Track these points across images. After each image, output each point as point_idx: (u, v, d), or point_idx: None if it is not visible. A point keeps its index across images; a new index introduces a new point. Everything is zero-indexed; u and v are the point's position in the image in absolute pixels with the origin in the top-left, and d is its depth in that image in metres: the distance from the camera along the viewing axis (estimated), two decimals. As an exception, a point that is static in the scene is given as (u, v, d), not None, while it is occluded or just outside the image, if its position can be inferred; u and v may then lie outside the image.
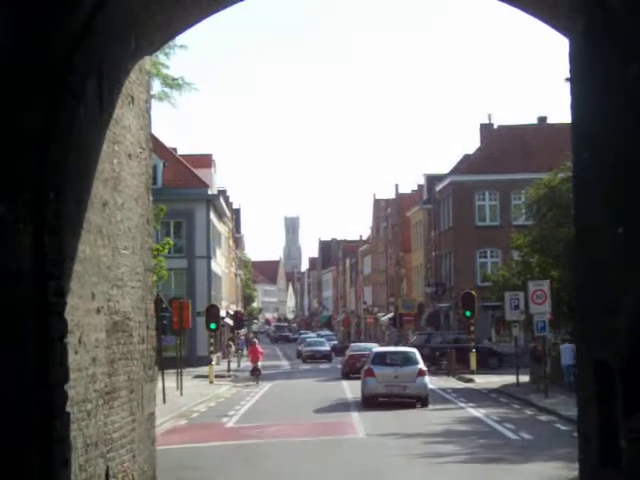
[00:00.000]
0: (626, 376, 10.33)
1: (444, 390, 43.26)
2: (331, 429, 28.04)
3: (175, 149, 76.46)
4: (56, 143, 8.67)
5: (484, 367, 53.13)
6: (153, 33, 11.70)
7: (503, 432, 26.59)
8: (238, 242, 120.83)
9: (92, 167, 9.82)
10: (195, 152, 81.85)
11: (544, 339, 39.66)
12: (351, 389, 43.95)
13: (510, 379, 45.35)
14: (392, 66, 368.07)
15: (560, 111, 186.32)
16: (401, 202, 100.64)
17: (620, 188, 10.87)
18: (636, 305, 10.17)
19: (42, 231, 8.55)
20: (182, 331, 43.49)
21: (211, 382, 50.09)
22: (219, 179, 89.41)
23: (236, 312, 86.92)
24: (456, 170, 75.71)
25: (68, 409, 8.82)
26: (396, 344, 69.31)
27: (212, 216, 73.37)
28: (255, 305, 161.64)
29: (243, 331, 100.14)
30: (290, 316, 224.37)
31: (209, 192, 72.21)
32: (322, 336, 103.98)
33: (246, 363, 77.41)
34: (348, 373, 52.10)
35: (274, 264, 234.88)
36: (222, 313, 72.59)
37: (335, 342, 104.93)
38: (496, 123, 76.73)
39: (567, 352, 39.76)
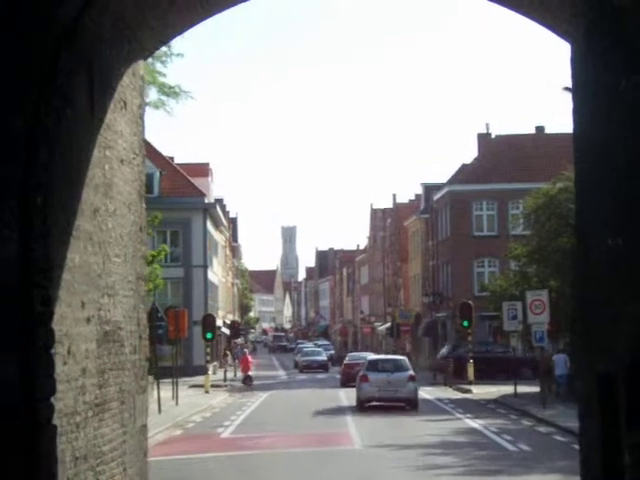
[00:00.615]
0: (629, 388, 10.09)
1: (441, 400, 43.02)
2: (327, 440, 27.76)
3: (172, 158, 76.33)
4: (43, 146, 8.41)
5: (520, 378, 45.91)
6: (147, 37, 11.46)
7: (501, 443, 26.32)
8: (235, 251, 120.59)
9: (82, 172, 9.56)
10: (192, 161, 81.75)
11: (542, 349, 39.44)
12: (347, 398, 43.71)
13: (508, 389, 45.11)
14: (390, 75, 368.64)
15: (558, 120, 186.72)
16: (398, 211, 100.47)
17: (622, 198, 10.64)
18: (639, 316, 9.93)
19: (29, 238, 8.29)
20: (178, 340, 43.21)
21: (207, 392, 49.81)
22: (216, 188, 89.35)
23: (233, 322, 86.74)
24: (454, 180, 75.54)
25: (55, 422, 8.56)
26: (394, 353, 69.06)
27: (209, 225, 73.19)
28: (252, 314, 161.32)
29: (240, 340, 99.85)
30: (287, 326, 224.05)
31: (206, 201, 72.04)
32: (319, 346, 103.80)
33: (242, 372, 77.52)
34: (346, 382, 52.10)
35: (271, 273, 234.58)
36: (219, 323, 72.35)
37: (332, 352, 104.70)
38: (494, 133, 76.70)
39: (560, 362, 39.72)
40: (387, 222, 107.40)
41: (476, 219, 70.98)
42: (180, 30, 12.01)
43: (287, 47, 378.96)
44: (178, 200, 68.36)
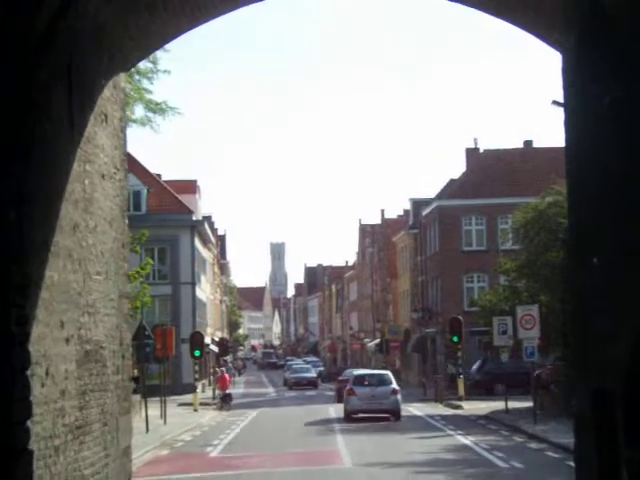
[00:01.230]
0: (628, 404, 9.84)
1: (432, 417, 42.68)
2: (317, 459, 27.39)
3: (159, 175, 76.06)
4: (19, 159, 8.10)
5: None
6: (128, 48, 11.17)
7: (493, 460, 25.96)
8: (223, 268, 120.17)
9: (61, 187, 9.25)
10: (180, 178, 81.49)
11: (532, 364, 39.13)
12: (337, 413, 43.39)
13: (498, 405, 44.78)
14: (378, 91, 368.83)
15: (547, 135, 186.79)
16: (387, 227, 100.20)
17: (616, 211, 10.40)
18: (636, 332, 9.67)
19: (3, 255, 7.98)
20: (166, 359, 42.82)
21: (196, 410, 49.43)
22: (204, 205, 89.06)
23: (221, 339, 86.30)
24: (442, 195, 75.35)
25: (32, 446, 8.23)
26: (383, 369, 68.76)
27: (197, 242, 72.90)
28: (241, 332, 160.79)
29: (229, 358, 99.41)
30: (276, 342, 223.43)
31: (194, 218, 71.81)
32: (308, 362, 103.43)
33: (231, 390, 77.05)
34: (340, 398, 51.99)
35: (260, 290, 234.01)
36: (207, 340, 71.97)
37: (321, 368, 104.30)
38: (482, 147, 76.52)
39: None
40: (376, 238, 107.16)
41: (465, 234, 70.75)
42: (162, 41, 11.75)
43: (276, 62, 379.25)
44: (166, 217, 68.16)
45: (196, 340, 50.65)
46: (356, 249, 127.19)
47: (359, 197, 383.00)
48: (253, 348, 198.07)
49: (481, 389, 55.91)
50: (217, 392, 55.07)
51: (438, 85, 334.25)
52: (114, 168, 11.37)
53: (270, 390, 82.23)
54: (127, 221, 12.04)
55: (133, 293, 40.24)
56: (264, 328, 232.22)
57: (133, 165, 69.66)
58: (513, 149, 74.19)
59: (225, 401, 52.55)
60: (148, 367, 45.97)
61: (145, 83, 36.36)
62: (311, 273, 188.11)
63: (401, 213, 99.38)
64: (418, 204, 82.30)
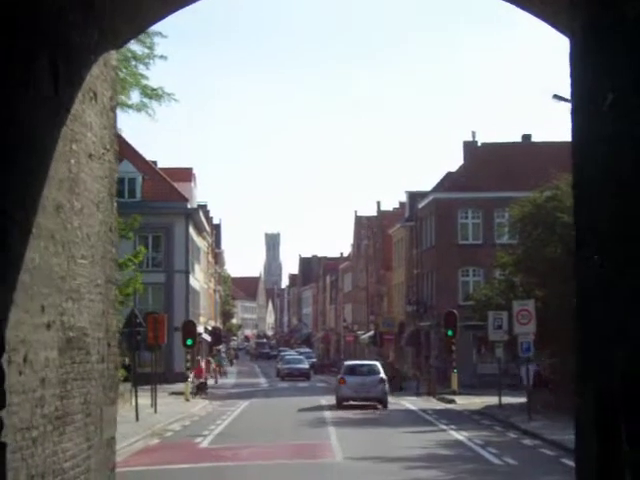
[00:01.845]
0: (632, 405, 9.43)
1: (425, 411, 42.36)
2: (308, 452, 27.00)
3: (155, 162, 75.65)
4: (-3, 134, 7.66)
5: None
6: (119, 23, 10.72)
7: (487, 457, 25.58)
8: (218, 257, 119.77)
9: (44, 166, 8.80)
10: (175, 165, 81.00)
11: (527, 360, 38.76)
12: (329, 406, 43.09)
13: (491, 400, 44.47)
14: (375, 82, 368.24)
15: (546, 129, 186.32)
16: (383, 219, 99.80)
17: (625, 206, 9.97)
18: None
19: (-21, 235, 7.54)
20: (157, 347, 42.42)
21: (187, 400, 49.06)
22: (199, 193, 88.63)
23: (214, 328, 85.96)
24: (439, 187, 74.96)
25: (7, 438, 7.79)
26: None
27: (191, 230, 72.51)
28: (234, 321, 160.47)
29: (222, 347, 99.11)
30: (269, 333, 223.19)
31: (189, 206, 71.43)
32: (301, 353, 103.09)
33: (223, 380, 76.82)
34: None
35: (254, 280, 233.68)
36: (200, 329, 71.59)
37: (314, 360, 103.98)
38: (480, 141, 76.03)
39: (526, 373, 39.27)
40: (371, 230, 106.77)
41: (461, 227, 70.35)
42: (155, 17, 11.28)
43: (272, 50, 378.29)
44: (160, 205, 67.84)
45: (188, 329, 50.24)
46: (351, 241, 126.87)
47: (355, 188, 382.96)
48: (246, 338, 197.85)
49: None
50: (193, 380, 55.16)
51: (436, 77, 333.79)
52: (103, 148, 10.91)
53: (262, 381, 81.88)
54: (116, 204, 11.58)
55: (125, 280, 39.95)
56: (257, 318, 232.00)
57: (128, 152, 69.30)
58: (511, 143, 73.77)
59: (201, 389, 52.82)
60: (142, 355, 45.63)
61: (141, 68, 35.96)
62: (306, 264, 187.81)
63: (397, 205, 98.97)
64: (414, 196, 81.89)
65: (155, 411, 39.21)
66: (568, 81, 12.75)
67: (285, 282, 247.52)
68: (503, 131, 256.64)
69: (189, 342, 49.45)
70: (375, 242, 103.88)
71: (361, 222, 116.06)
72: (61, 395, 9.22)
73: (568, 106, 12.64)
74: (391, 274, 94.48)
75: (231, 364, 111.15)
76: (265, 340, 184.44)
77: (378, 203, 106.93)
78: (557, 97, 39.54)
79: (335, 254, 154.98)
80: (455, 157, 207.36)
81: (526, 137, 75.44)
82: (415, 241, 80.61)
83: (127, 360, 42.70)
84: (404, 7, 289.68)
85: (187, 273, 70.05)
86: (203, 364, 53.83)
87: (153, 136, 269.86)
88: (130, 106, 36.27)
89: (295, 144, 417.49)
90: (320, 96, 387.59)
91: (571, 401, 30.48)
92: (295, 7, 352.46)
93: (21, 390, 8.12)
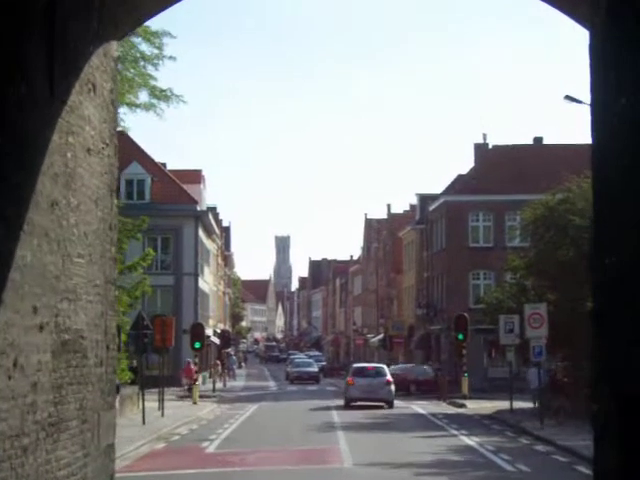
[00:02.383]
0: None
1: (435, 415, 41.84)
2: (317, 457, 26.49)
3: (164, 164, 75.33)
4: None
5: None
6: (119, 13, 10.27)
7: (499, 463, 25.06)
8: (227, 260, 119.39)
9: (38, 159, 8.35)
10: (184, 167, 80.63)
11: (538, 364, 38.20)
12: (338, 410, 42.61)
13: (502, 405, 43.93)
14: (386, 84, 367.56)
15: (558, 132, 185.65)
16: (393, 222, 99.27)
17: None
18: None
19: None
20: (165, 349, 42.00)
21: (195, 403, 48.64)
22: (209, 196, 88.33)
23: (223, 331, 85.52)
24: (449, 190, 74.47)
25: (-6, 447, 7.34)
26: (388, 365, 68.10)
27: (200, 233, 72.13)
28: (244, 324, 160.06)
29: (232, 350, 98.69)
30: (279, 336, 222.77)
31: (198, 208, 71.03)
32: (311, 357, 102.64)
33: (232, 383, 76.46)
34: None
35: (264, 283, 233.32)
36: (209, 332, 71.14)
37: (324, 363, 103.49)
38: (491, 143, 75.50)
39: (534, 376, 39.09)
40: (381, 233, 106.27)
41: (472, 230, 69.81)
42: (156, 8, 10.83)
43: (283, 53, 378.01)
44: (169, 207, 67.53)
45: (197, 331, 49.83)
46: (361, 244, 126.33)
47: (365, 191, 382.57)
48: (256, 341, 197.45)
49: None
50: (185, 382, 54.80)
51: (448, 79, 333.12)
52: (102, 143, 10.47)
53: (271, 384, 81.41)
54: (116, 201, 11.14)
55: (133, 283, 39.53)
56: (267, 321, 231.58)
57: (137, 153, 69.05)
58: (523, 145, 73.19)
59: (191, 390, 52.36)
60: (148, 357, 45.25)
61: (150, 69, 35.71)
62: (315, 267, 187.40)
63: (407, 208, 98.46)
64: (425, 199, 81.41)
65: (162, 414, 38.78)
66: (585, 75, 12.28)
67: (295, 285, 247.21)
68: (514, 133, 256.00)
69: (197, 345, 49.05)
70: (385, 245, 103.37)
71: (371, 225, 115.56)
72: (55, 401, 8.77)
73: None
74: (401, 277, 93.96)
75: (240, 367, 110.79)
76: (275, 343, 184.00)
77: (388, 206, 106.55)
78: (569, 98, 39.05)
79: (345, 257, 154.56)
80: (466, 159, 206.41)
81: (537, 139, 74.88)
82: (425, 244, 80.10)
83: (135, 363, 42.33)
84: (414, 12, 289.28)
85: (196, 275, 69.69)
86: (192, 366, 53.00)
87: (163, 138, 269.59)
88: (138, 105, 36.02)
89: (305, 146, 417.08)
90: (330, 97, 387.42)
91: (584, 406, 29.96)
92: (306, 8, 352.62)
93: (10, 396, 7.67)
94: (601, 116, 11.38)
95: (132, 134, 66.40)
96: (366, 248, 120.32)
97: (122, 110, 35.76)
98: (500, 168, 69.00)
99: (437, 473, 23.04)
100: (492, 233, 69.10)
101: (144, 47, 35.17)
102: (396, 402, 48.34)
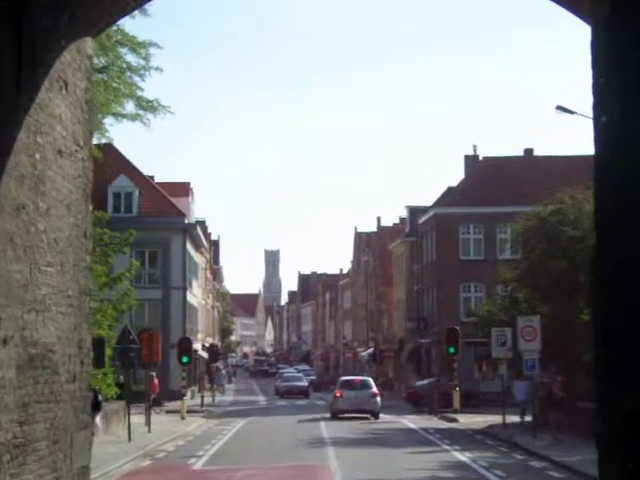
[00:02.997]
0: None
1: (426, 430, 41.18)
2: (306, 474, 25.81)
3: (152, 177, 74.68)
4: None
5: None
6: (92, 8, 9.66)
7: (493, 480, 24.45)
8: (216, 274, 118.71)
9: (1, 158, 7.74)
10: (173, 180, 79.99)
11: (532, 378, 37.61)
12: (328, 423, 41.95)
13: (494, 419, 43.33)
14: (375, 97, 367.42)
15: (548, 144, 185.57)
16: (383, 235, 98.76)
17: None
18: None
19: None
20: (152, 364, 41.31)
21: (183, 418, 47.91)
22: (197, 209, 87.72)
23: (211, 345, 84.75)
24: (440, 202, 73.97)
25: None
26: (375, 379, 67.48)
27: (189, 246, 71.46)
28: (233, 338, 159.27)
29: (220, 364, 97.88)
30: (269, 350, 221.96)
31: (186, 221, 70.35)
32: (300, 371, 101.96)
33: (221, 398, 75.72)
34: None
35: (253, 297, 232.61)
36: (197, 346, 70.37)
37: (313, 377, 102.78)
38: (481, 155, 75.00)
39: (521, 388, 39.31)
40: (371, 246, 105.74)
41: (463, 243, 69.27)
42: (131, 5, 10.23)
43: (271, 65, 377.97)
44: (157, 220, 66.88)
45: (184, 346, 49.08)
46: (351, 257, 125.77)
47: (355, 204, 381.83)
48: (245, 355, 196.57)
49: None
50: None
51: (438, 91, 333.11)
52: (75, 145, 9.85)
53: (260, 398, 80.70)
54: (91, 207, 10.51)
55: (119, 296, 38.89)
56: (257, 335, 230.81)
57: (125, 166, 68.45)
58: (513, 157, 72.76)
59: (155, 404, 51.95)
60: (135, 372, 44.52)
61: (136, 80, 35.28)
62: (305, 281, 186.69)
63: (397, 221, 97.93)
64: (415, 212, 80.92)
65: (149, 430, 38.06)
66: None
67: (284, 299, 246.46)
68: (505, 145, 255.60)
69: (185, 359, 48.35)
70: (375, 258, 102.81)
71: (361, 238, 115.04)
72: (21, 420, 8.13)
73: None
74: (391, 290, 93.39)
75: (230, 382, 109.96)
76: (264, 357, 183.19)
77: (378, 219, 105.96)
78: (561, 109, 38.60)
79: (335, 271, 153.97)
80: (456, 171, 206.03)
81: (528, 151, 74.48)
82: (416, 257, 79.57)
83: (121, 378, 41.60)
84: (405, 19, 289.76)
85: (184, 289, 68.99)
86: (156, 380, 52.24)
87: (151, 151, 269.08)
88: (125, 116, 35.56)
89: (295, 160, 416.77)
90: (319, 110, 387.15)
91: (578, 420, 29.29)
92: (293, 17, 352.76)
93: (-31, 415, 7.05)
94: (601, 116, 10.86)
95: (120, 146, 65.96)
96: (356, 261, 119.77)
97: (108, 120, 35.25)
98: (490, 180, 68.57)
99: (430, 490, 22.41)
100: (483, 245, 68.59)
101: (130, 58, 34.71)
102: (387, 417, 47.83)
